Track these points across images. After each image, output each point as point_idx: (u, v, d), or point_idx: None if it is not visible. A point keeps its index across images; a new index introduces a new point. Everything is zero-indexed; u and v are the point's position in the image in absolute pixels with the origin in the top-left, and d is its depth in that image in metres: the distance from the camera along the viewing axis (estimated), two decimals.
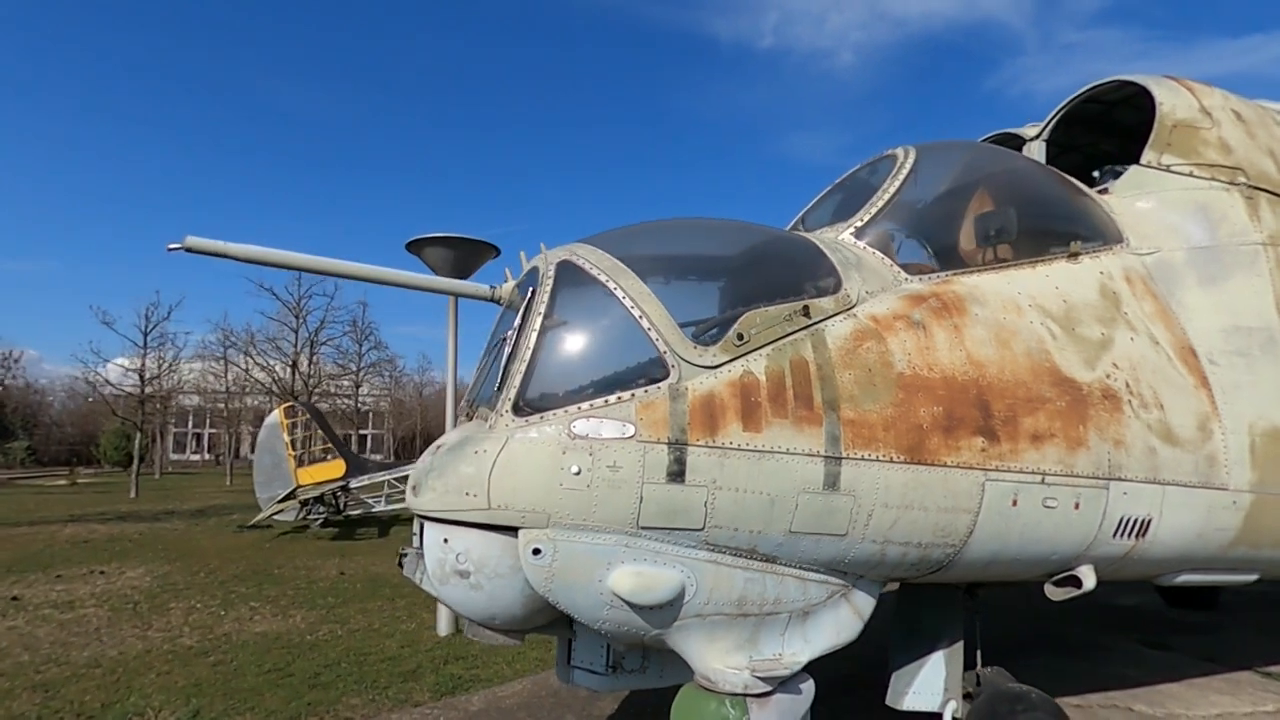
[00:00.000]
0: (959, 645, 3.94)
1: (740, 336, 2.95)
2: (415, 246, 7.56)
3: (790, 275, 3.30)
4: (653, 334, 2.87)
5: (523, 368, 2.89)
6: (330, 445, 16.24)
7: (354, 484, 16.08)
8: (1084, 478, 3.32)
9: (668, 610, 2.84)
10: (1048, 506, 3.25)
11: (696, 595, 2.86)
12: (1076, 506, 3.32)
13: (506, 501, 2.72)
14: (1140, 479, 3.46)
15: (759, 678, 2.92)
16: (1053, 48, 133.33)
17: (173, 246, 3.09)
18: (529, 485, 2.72)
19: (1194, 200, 4.30)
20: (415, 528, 3.26)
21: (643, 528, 2.76)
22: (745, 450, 2.81)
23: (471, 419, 3.22)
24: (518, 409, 2.84)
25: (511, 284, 3.69)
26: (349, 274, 3.47)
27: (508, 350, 3.03)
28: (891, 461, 2.97)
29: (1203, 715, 4.94)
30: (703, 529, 2.81)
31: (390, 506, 16.22)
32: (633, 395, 2.80)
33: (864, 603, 3.28)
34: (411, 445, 64.62)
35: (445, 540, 2.85)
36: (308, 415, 16.40)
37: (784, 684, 3.02)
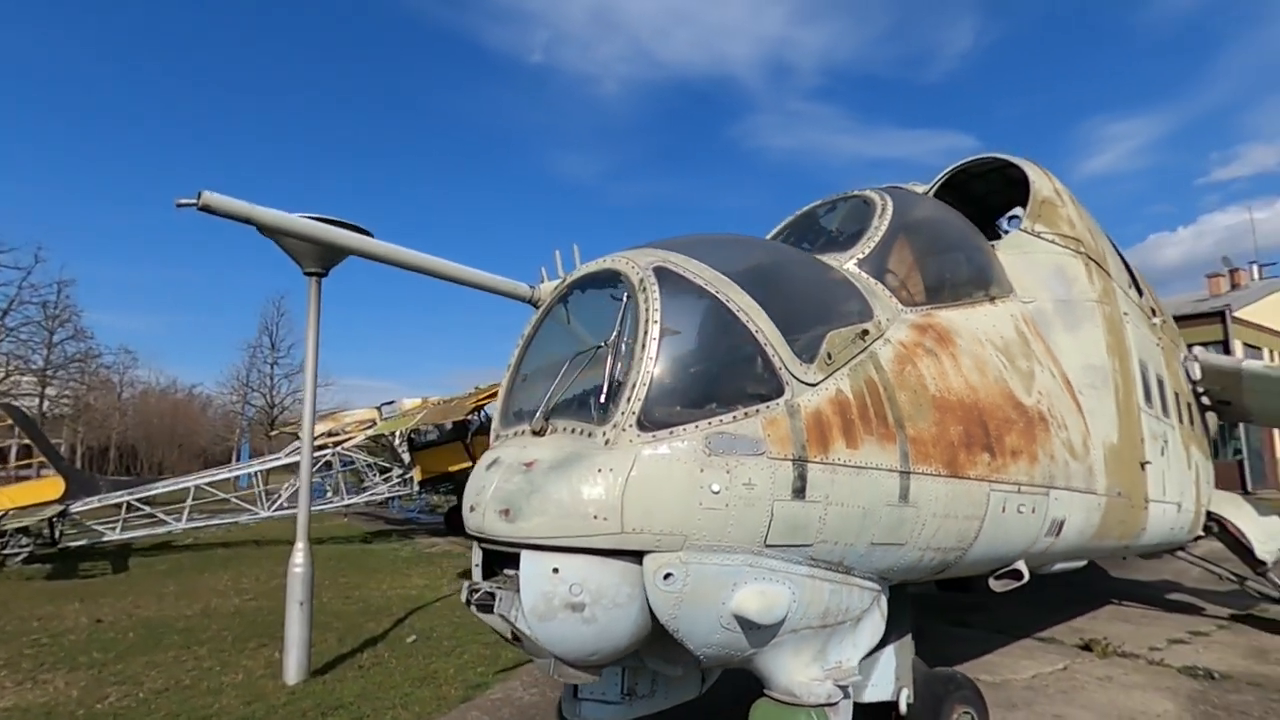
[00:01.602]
0: (909, 636, 4.41)
1: (829, 356, 3.05)
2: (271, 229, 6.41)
3: (841, 298, 3.49)
4: (768, 349, 2.85)
5: (644, 379, 2.67)
6: (43, 458, 12.84)
7: (77, 507, 12.88)
8: (1039, 486, 3.97)
9: (773, 628, 2.81)
10: (1020, 512, 3.83)
11: (795, 610, 2.87)
12: (1034, 511, 3.95)
13: (641, 524, 2.49)
14: (1063, 487, 4.23)
15: (839, 686, 3.01)
16: (782, 112, 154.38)
17: (183, 202, 2.33)
18: (667, 506, 2.52)
19: (1055, 262, 5.38)
20: (477, 558, 2.80)
21: (768, 546, 2.71)
22: (848, 466, 2.91)
23: (542, 433, 2.86)
24: (643, 424, 2.61)
25: (551, 285, 3.37)
26: (390, 258, 2.89)
27: (611, 358, 2.78)
28: (938, 475, 3.28)
29: (1025, 678, 6.08)
30: (811, 544, 2.85)
31: (128, 534, 13.28)
32: (758, 411, 2.75)
33: (885, 606, 3.55)
34: (105, 457, 53.20)
35: (555, 570, 2.51)
36: (9, 421, 12.80)
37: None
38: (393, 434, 15.02)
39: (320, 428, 15.56)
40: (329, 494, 15.22)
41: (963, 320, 4.18)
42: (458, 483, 16.64)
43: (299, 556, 6.26)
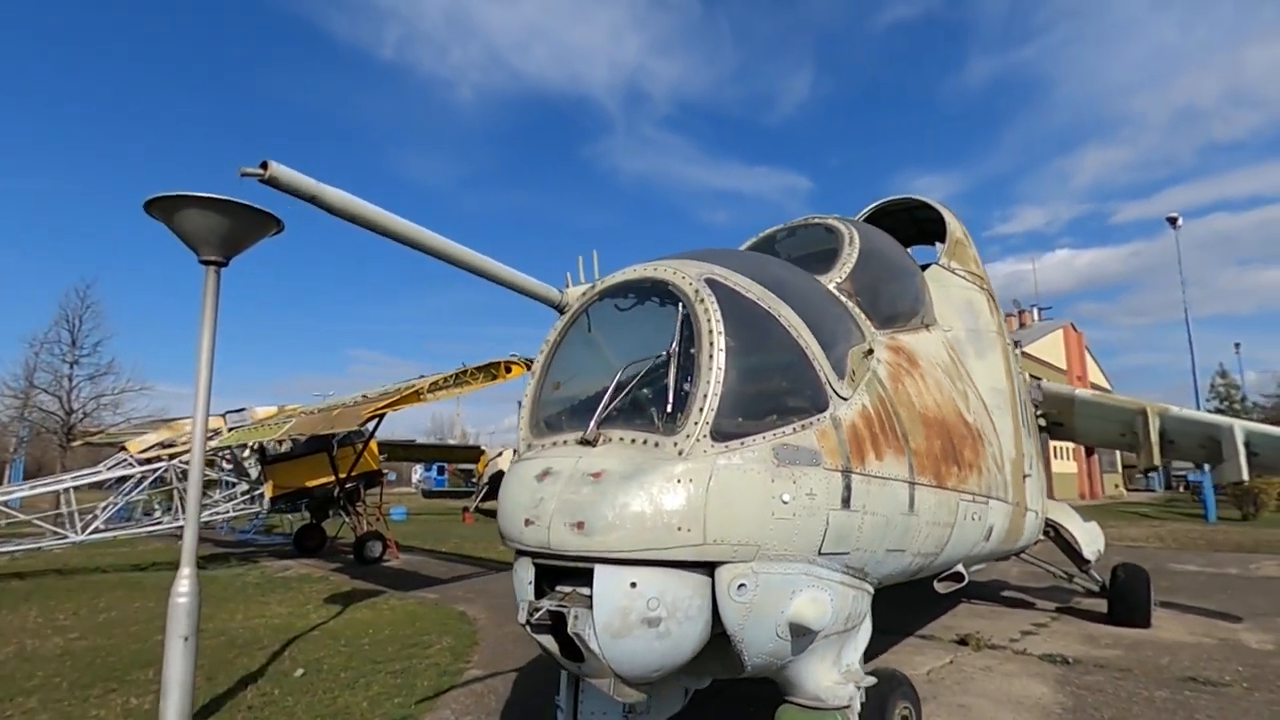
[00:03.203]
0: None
1: (853, 372, 3.21)
2: (163, 207, 5.56)
3: (846, 318, 3.68)
4: (815, 364, 2.95)
5: (715, 389, 2.65)
6: None
7: None
8: (982, 496, 4.41)
9: (815, 634, 2.88)
10: (973, 520, 4.23)
11: (833, 616, 2.97)
12: (979, 518, 4.38)
13: (721, 535, 2.47)
14: (994, 497, 4.73)
15: (859, 688, 3.14)
16: (635, 138, 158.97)
17: (248, 171, 2.00)
18: (744, 516, 2.52)
19: (966, 296, 6.03)
20: (528, 575, 2.60)
21: (820, 554, 2.79)
22: (878, 477, 3.07)
23: (594, 443, 2.74)
24: (716, 434, 2.59)
25: (578, 290, 3.25)
26: (438, 250, 2.63)
27: (674, 368, 2.73)
28: (929, 485, 3.56)
29: (923, 673, 6.66)
30: (849, 553, 2.96)
31: None
32: (812, 423, 2.82)
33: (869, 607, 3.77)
34: None
35: (633, 585, 2.42)
36: None
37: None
38: (243, 445, 13.47)
39: (152, 438, 13.54)
40: (157, 513, 13.31)
41: (917, 344, 4.57)
42: (317, 500, 15.24)
43: (184, 584, 5.42)
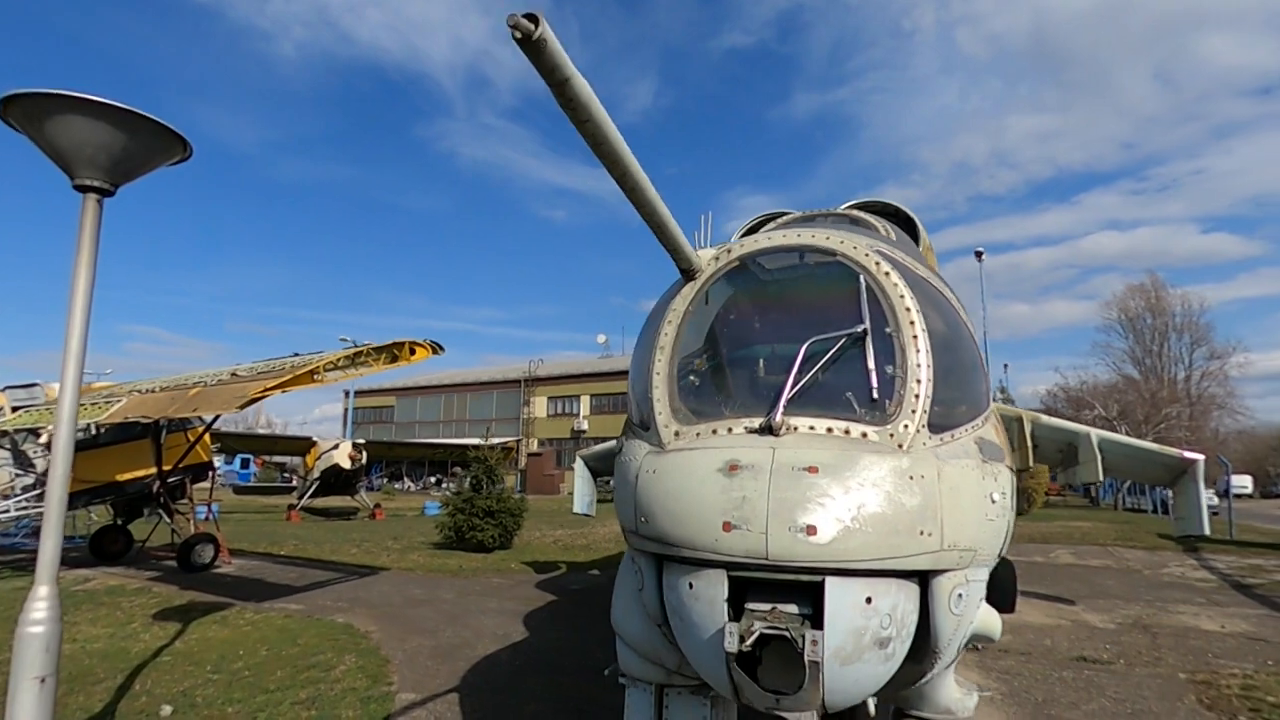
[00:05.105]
0: None
1: None
2: (27, 111, 4.15)
3: None
4: (981, 352, 2.74)
5: (924, 375, 2.34)
6: None
7: None
8: None
9: (990, 645, 2.69)
10: None
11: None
12: None
13: (953, 539, 2.17)
14: None
15: (978, 695, 2.99)
16: (476, 124, 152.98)
17: (518, 20, 1.37)
18: (968, 518, 2.24)
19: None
20: (721, 592, 2.10)
21: (998, 557, 2.58)
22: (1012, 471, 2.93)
23: (774, 432, 2.30)
24: (932, 426, 2.29)
25: (711, 252, 2.77)
26: (622, 166, 2.03)
27: (870, 350, 2.38)
28: None
29: None
30: (1004, 555, 2.79)
31: None
32: (989, 415, 2.61)
33: None
34: None
35: (868, 600, 2.04)
36: None
37: None
38: (28, 431, 10.85)
39: None
40: None
41: None
42: (129, 496, 12.70)
43: (40, 610, 4.08)
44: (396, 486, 48.44)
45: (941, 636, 2.33)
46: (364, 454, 25.11)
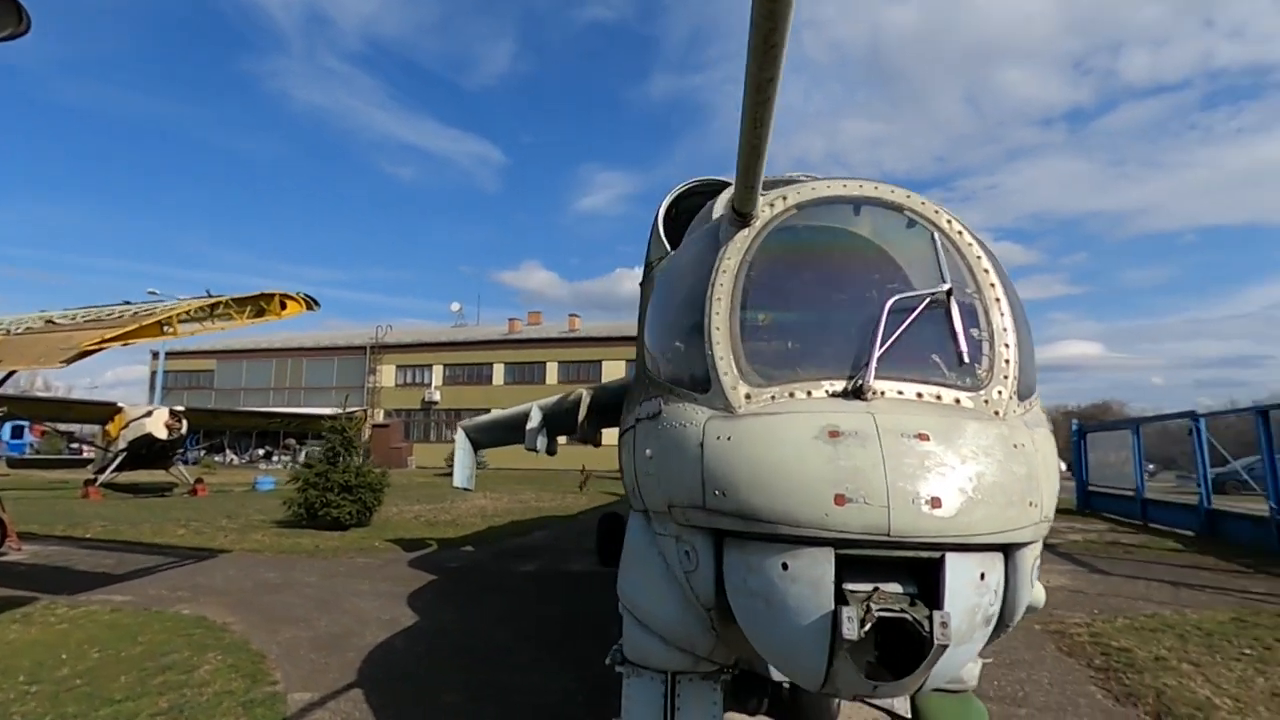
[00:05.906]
0: None
1: None
2: None
3: None
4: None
5: (1011, 340, 2.23)
6: None
7: None
8: None
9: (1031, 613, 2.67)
10: None
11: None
12: None
13: (1048, 509, 2.08)
14: None
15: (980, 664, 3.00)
16: (314, 65, 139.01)
17: None
18: (1054, 487, 2.16)
19: None
20: (824, 572, 1.85)
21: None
22: None
23: (860, 395, 2.08)
24: (1019, 393, 2.18)
25: (779, 202, 2.47)
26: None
27: (956, 311, 2.22)
28: None
29: None
30: None
31: None
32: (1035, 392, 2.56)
33: None
34: None
35: (982, 576, 1.89)
36: None
37: None
38: None
39: None
40: None
41: None
42: None
43: None
44: (218, 460, 43.61)
45: (1018, 608, 2.27)
46: (184, 423, 22.13)
